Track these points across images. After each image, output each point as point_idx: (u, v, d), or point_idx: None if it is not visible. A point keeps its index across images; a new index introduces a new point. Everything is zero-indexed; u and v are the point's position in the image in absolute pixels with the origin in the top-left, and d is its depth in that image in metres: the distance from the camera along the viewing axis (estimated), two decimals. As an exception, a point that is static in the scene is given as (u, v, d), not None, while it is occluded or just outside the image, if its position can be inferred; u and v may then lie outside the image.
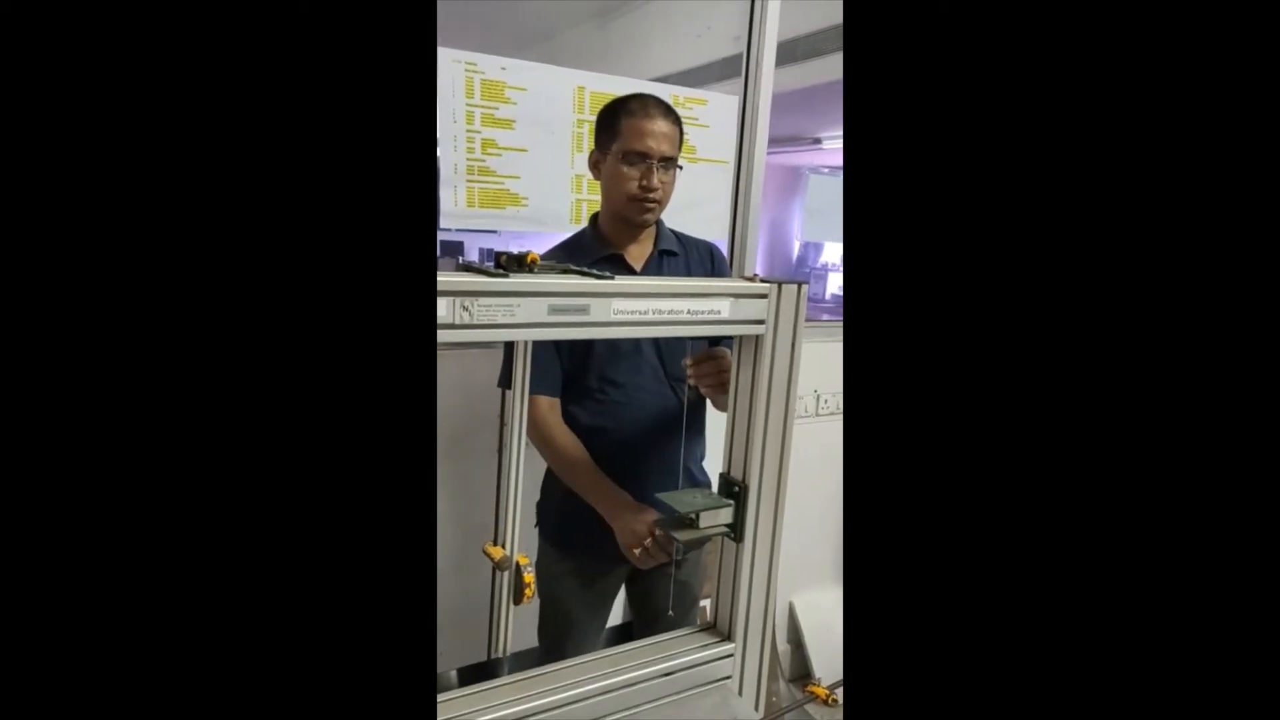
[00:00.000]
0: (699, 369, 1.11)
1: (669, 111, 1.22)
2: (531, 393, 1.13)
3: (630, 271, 1.27)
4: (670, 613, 1.31)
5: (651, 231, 1.31)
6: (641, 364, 1.26)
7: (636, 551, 1.12)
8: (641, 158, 1.19)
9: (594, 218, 1.32)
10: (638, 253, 1.29)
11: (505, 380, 1.09)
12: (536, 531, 1.37)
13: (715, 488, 0.97)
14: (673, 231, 1.35)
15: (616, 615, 1.52)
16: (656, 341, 1.26)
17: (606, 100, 1.26)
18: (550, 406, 1.24)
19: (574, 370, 1.26)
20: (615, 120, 1.21)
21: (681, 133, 1.24)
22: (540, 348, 1.12)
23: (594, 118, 1.28)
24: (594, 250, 1.25)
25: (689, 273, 1.32)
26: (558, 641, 1.36)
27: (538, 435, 1.22)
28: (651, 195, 1.20)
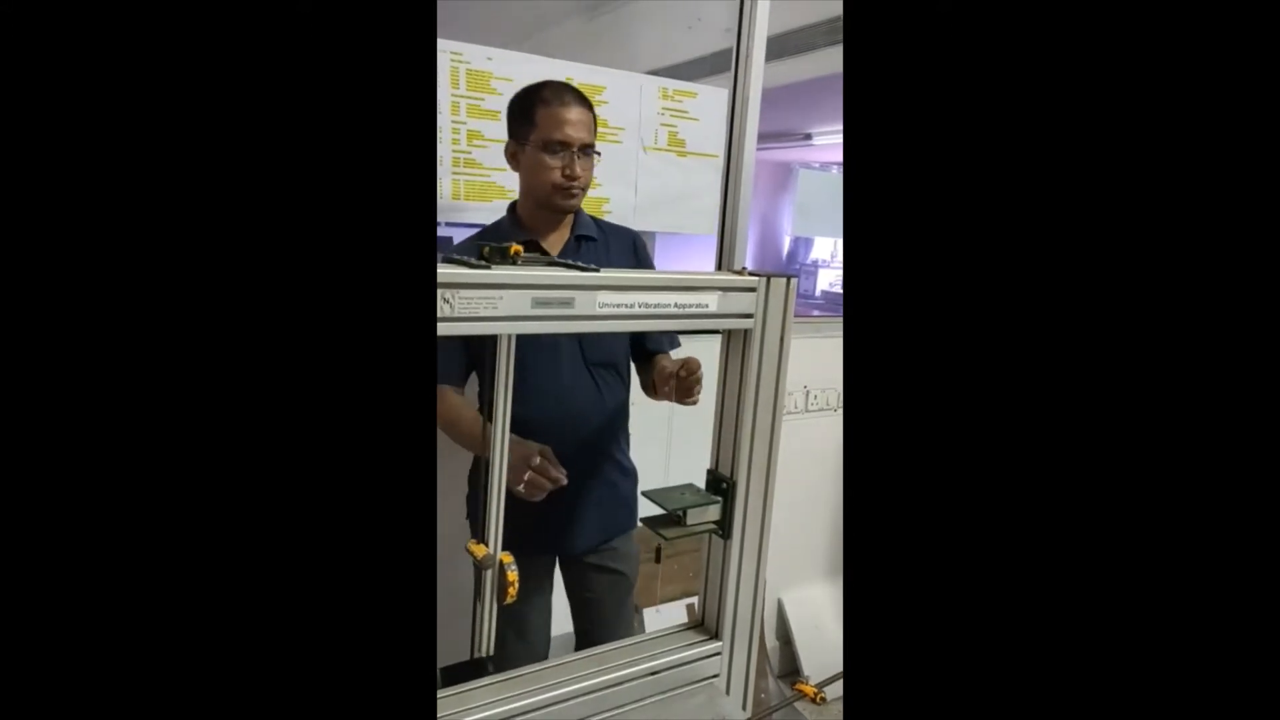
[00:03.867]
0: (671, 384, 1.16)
1: (582, 98, 1.24)
2: (441, 384, 1.19)
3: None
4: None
5: (570, 218, 1.32)
6: (559, 351, 1.27)
7: (524, 481, 1.10)
8: (563, 146, 1.20)
9: (512, 206, 1.33)
10: (555, 239, 1.30)
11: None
12: (468, 524, 1.38)
13: (703, 484, 0.96)
14: (592, 218, 1.36)
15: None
16: None
17: (594, 92, 1.25)
18: (457, 396, 1.26)
19: (489, 359, 1.25)
20: (530, 110, 1.22)
21: (595, 118, 1.26)
22: (446, 338, 1.12)
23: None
24: (512, 237, 1.26)
25: (609, 259, 1.34)
26: (500, 631, 1.37)
27: (445, 424, 1.22)
28: (575, 183, 1.23)
